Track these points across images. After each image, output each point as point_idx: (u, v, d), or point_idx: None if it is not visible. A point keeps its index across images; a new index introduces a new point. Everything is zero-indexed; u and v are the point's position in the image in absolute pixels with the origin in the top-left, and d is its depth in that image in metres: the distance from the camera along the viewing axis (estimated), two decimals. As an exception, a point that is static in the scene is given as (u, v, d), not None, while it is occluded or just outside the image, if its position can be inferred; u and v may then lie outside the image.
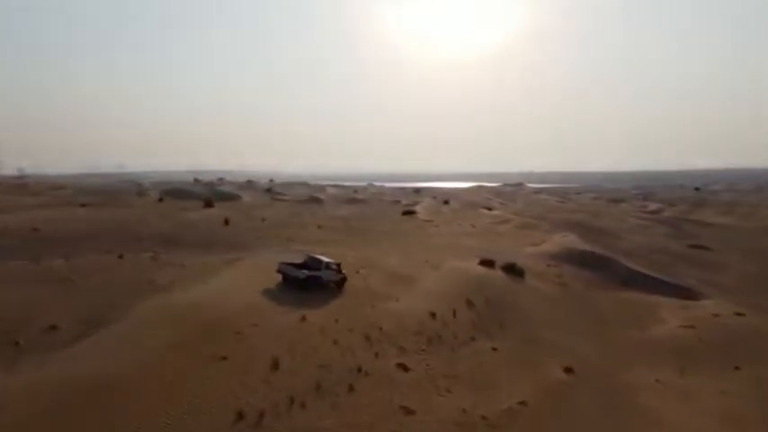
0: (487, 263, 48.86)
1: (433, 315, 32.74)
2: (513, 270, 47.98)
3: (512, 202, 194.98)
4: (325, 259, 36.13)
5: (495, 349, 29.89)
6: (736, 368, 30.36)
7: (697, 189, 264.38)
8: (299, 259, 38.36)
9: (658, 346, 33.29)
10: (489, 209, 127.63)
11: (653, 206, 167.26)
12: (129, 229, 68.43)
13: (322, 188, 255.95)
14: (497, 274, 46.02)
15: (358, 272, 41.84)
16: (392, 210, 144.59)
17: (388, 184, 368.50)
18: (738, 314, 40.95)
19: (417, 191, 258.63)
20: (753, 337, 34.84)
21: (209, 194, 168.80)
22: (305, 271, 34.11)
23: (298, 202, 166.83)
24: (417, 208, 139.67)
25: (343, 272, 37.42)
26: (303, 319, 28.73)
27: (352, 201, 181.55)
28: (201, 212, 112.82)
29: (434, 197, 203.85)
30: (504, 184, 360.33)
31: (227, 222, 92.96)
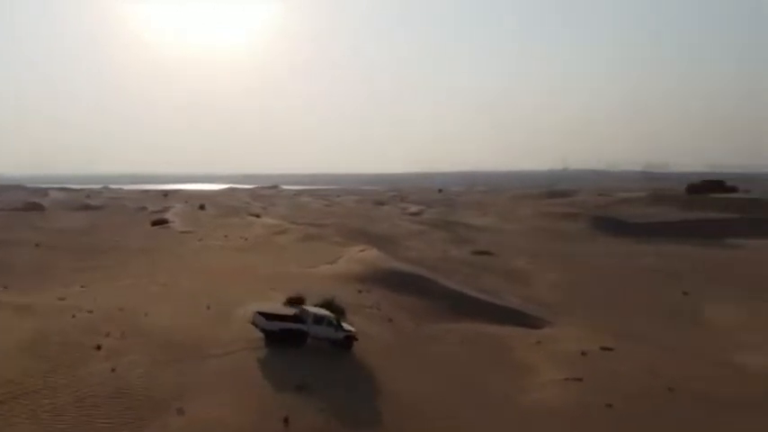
0: (295, 301, 35.42)
1: (256, 437, 18.28)
2: (331, 308, 35.14)
3: (273, 205, 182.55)
4: (313, 311, 29.29)
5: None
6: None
7: (440, 191, 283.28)
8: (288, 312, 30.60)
9: (571, 428, 23.52)
10: (257, 215, 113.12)
11: (413, 208, 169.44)
12: None
13: (44, 192, 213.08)
14: (315, 318, 32.74)
15: (99, 347, 24.82)
16: (139, 218, 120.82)
17: (128, 187, 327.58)
18: (606, 349, 34.14)
19: (165, 194, 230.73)
20: (658, 394, 27.31)
21: None
22: (282, 323, 27.70)
23: (10, 210, 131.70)
24: (170, 215, 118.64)
25: (351, 328, 29.59)
26: None
27: (86, 208, 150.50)
28: None
29: (186, 201, 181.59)
30: (260, 187, 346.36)
31: None
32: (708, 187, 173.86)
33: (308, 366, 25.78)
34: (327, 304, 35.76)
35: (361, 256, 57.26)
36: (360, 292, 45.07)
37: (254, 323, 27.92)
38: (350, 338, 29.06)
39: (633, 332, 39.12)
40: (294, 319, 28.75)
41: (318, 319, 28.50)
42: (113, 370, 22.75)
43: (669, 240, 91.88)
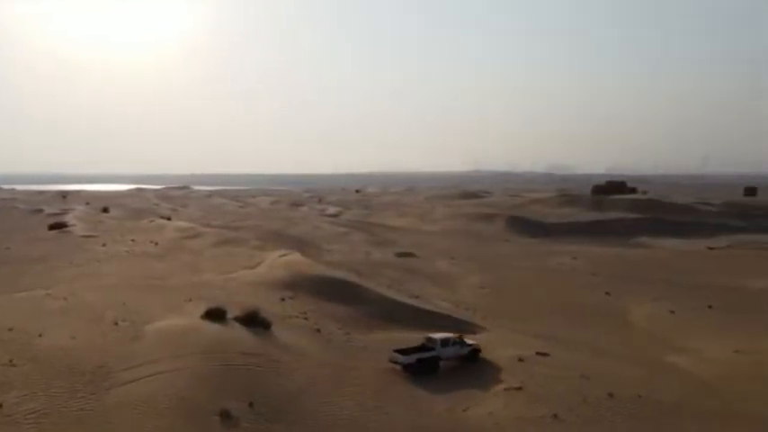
0: (215, 314, 32.31)
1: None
2: (256, 321, 32.53)
3: (184, 207, 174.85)
4: (438, 336, 31.76)
5: None
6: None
7: (357, 191, 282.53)
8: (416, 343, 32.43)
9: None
10: (168, 218, 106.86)
11: (332, 209, 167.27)
12: None
13: None
14: (238, 333, 30.05)
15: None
16: (33, 222, 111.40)
17: (21, 187, 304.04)
18: (541, 354, 33.39)
19: (64, 195, 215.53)
20: (600, 401, 26.62)
21: None
22: (417, 353, 30.35)
23: None
24: (70, 218, 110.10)
25: (473, 342, 32.69)
26: None
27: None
28: None
29: (88, 203, 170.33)
30: (168, 187, 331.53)
31: None
32: (611, 188, 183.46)
33: (230, 389, 23.13)
34: (251, 316, 33.04)
35: (283, 260, 54.38)
36: (283, 300, 42.41)
37: (392, 361, 29.96)
38: (475, 351, 31.95)
39: (564, 335, 38.88)
40: (425, 348, 30.82)
41: (444, 342, 31.07)
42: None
43: (583, 240, 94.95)
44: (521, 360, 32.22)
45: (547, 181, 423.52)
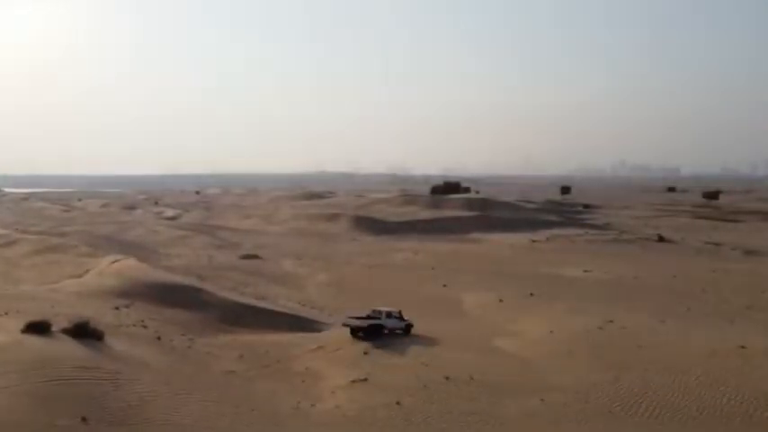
0: (38, 327, 29.53)
1: None
2: (86, 332, 30.27)
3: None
4: (384, 309, 36.91)
5: None
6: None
7: (198, 192, 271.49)
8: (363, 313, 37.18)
9: None
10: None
11: (170, 212, 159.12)
12: None
13: None
14: (66, 346, 27.78)
15: None
16: None
17: None
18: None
19: None
20: (437, 384, 28.51)
21: None
22: (367, 320, 35.45)
23: None
24: None
25: (407, 319, 37.42)
26: None
27: None
28: None
29: None
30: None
31: None
32: (448, 189, 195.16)
33: (61, 406, 21.44)
34: (81, 327, 30.66)
35: (116, 267, 51.05)
36: (117, 308, 39.98)
37: (346, 324, 35.87)
38: (409, 326, 37.00)
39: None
40: (373, 317, 35.84)
41: (388, 314, 36.31)
42: None
43: (423, 237, 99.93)
44: (366, 353, 33.42)
45: (389, 182, 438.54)
